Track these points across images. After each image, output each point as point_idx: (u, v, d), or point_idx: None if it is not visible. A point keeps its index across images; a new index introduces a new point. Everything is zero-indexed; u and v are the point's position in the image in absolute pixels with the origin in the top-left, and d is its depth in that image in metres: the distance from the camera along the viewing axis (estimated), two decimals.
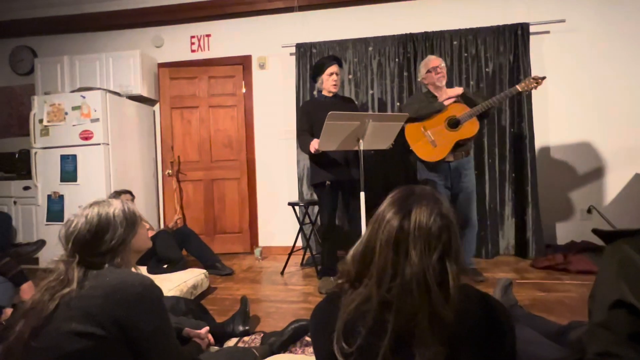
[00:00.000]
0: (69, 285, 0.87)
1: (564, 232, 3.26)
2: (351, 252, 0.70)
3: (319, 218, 3.00)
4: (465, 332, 0.63)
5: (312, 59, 3.44)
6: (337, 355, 0.62)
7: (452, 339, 0.61)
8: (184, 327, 1.36)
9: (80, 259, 0.92)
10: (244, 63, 3.73)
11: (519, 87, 2.41)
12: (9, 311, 1.71)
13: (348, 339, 0.63)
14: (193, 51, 3.80)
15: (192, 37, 3.79)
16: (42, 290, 0.88)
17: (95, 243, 0.94)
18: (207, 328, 1.40)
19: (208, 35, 3.78)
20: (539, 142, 3.22)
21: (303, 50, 3.48)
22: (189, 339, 1.32)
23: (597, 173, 3.22)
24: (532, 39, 3.15)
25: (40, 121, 3.26)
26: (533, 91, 3.11)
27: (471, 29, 3.22)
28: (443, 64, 2.57)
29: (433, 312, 0.60)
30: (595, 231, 0.77)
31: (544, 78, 2.41)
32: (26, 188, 3.53)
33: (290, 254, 3.03)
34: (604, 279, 0.70)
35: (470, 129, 2.44)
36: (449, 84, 2.78)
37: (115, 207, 1.00)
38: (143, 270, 2.43)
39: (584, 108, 3.23)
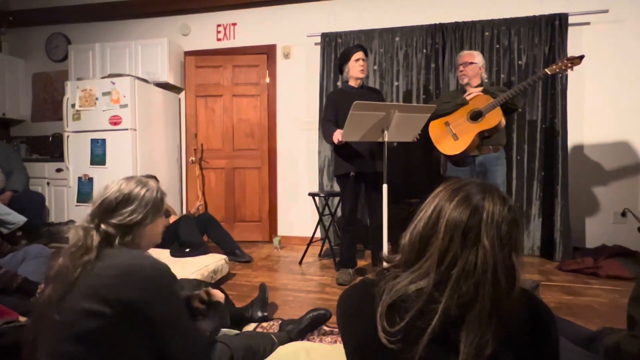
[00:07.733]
0: (88, 253, 0.88)
1: (595, 235, 3.11)
2: (407, 236, 0.69)
3: (339, 209, 2.99)
4: (512, 330, 0.61)
5: (337, 49, 3.40)
6: (381, 335, 0.61)
7: (500, 334, 0.59)
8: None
9: (96, 225, 0.93)
10: (268, 52, 3.73)
11: (547, 71, 2.26)
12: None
13: (392, 319, 0.62)
14: (219, 40, 3.83)
15: (218, 25, 3.81)
16: (65, 256, 0.90)
17: (115, 211, 0.96)
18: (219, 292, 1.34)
19: (234, 24, 3.79)
20: (572, 140, 3.07)
21: (328, 40, 3.43)
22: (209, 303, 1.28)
23: (634, 174, 3.04)
24: (570, 30, 2.99)
25: (73, 106, 3.37)
26: (569, 86, 2.99)
27: (504, 20, 3.08)
28: (469, 64, 2.46)
29: (495, 300, 0.60)
30: None
31: (581, 57, 2.20)
32: (59, 170, 3.68)
33: (308, 245, 3.04)
34: None
35: (492, 119, 2.34)
36: None
37: (149, 189, 1.03)
38: (166, 253, 2.50)
39: (624, 105, 3.04)
